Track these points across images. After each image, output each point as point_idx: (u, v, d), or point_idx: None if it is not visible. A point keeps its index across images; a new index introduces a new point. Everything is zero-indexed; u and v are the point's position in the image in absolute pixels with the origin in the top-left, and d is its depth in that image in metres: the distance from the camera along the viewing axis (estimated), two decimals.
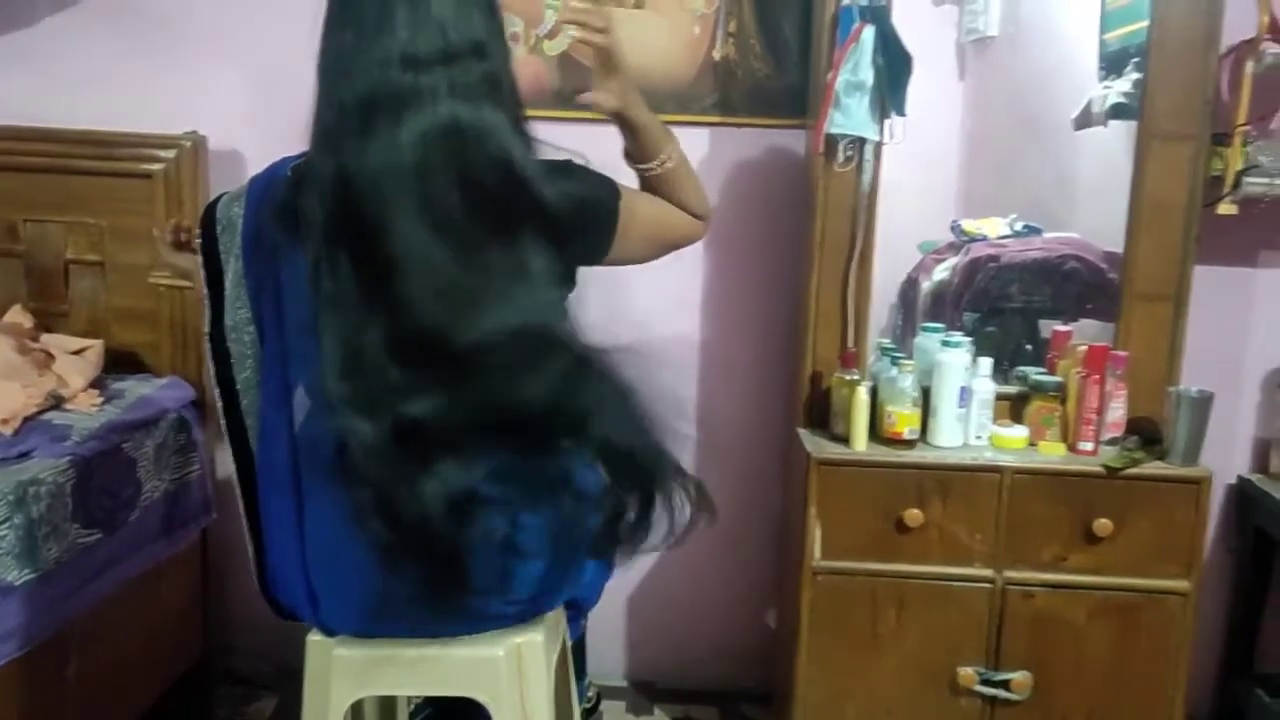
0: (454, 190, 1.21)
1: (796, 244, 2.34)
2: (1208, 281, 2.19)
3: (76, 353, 2.20)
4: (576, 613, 1.80)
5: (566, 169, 1.38)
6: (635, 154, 1.52)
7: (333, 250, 1.23)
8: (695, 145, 2.39)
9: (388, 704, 1.85)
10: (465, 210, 1.21)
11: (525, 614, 1.48)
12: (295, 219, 1.30)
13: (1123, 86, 2.21)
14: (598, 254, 1.45)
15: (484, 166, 1.22)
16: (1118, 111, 2.22)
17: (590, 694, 2.31)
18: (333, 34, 1.26)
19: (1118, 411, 2.07)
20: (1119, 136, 2.22)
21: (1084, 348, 2.08)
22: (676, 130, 1.57)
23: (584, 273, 1.45)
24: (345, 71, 1.22)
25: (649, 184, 1.53)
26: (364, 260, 1.21)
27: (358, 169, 1.20)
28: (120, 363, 2.29)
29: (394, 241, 1.20)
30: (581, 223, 1.39)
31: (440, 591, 1.33)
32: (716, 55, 2.36)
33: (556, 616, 1.59)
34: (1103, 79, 2.29)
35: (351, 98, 1.21)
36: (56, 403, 2.02)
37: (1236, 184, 2.11)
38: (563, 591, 1.56)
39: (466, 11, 1.26)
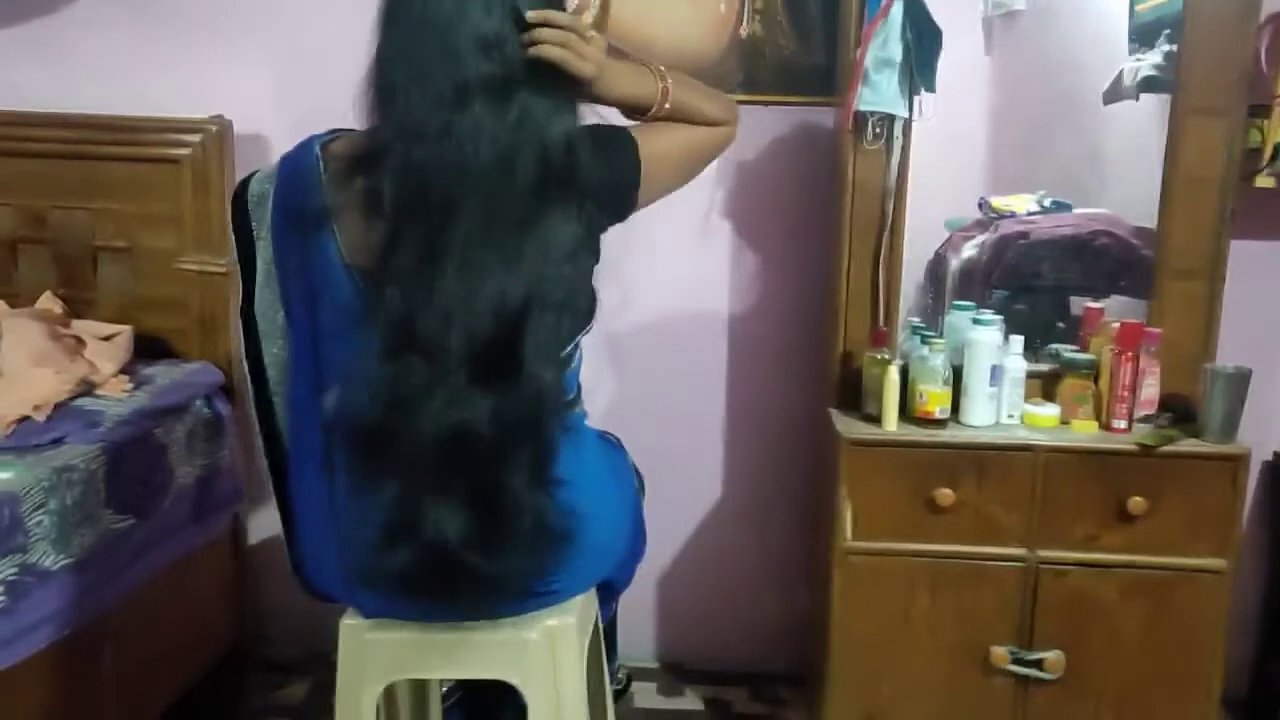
0: (533, 169, 1.24)
1: (825, 222, 2.32)
2: (1244, 256, 2.15)
3: (106, 339, 2.21)
4: (608, 595, 1.80)
5: (592, 139, 1.38)
6: (629, 114, 1.50)
7: (409, 230, 1.24)
8: None
9: (419, 686, 1.86)
10: (537, 189, 1.25)
11: (557, 596, 1.48)
12: (335, 200, 1.31)
13: (1154, 59, 2.17)
14: (624, 215, 1.45)
15: (557, 145, 1.27)
16: (1149, 85, 2.18)
17: (621, 676, 2.32)
18: (422, 14, 1.26)
19: (1151, 389, 2.05)
20: (1150, 110, 2.19)
21: (1117, 325, 2.06)
22: None
23: (615, 251, 1.45)
24: (439, 53, 1.23)
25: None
26: (429, 242, 1.23)
27: (444, 152, 1.22)
28: (149, 348, 2.30)
29: (465, 224, 1.22)
30: (609, 197, 1.40)
31: (444, 579, 1.34)
32: (743, 33, 2.34)
33: (588, 598, 1.59)
34: (1133, 52, 2.25)
35: (444, 81, 1.23)
36: (88, 389, 2.03)
37: (1275, 156, 2.07)
38: (595, 574, 1.56)
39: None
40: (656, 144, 1.44)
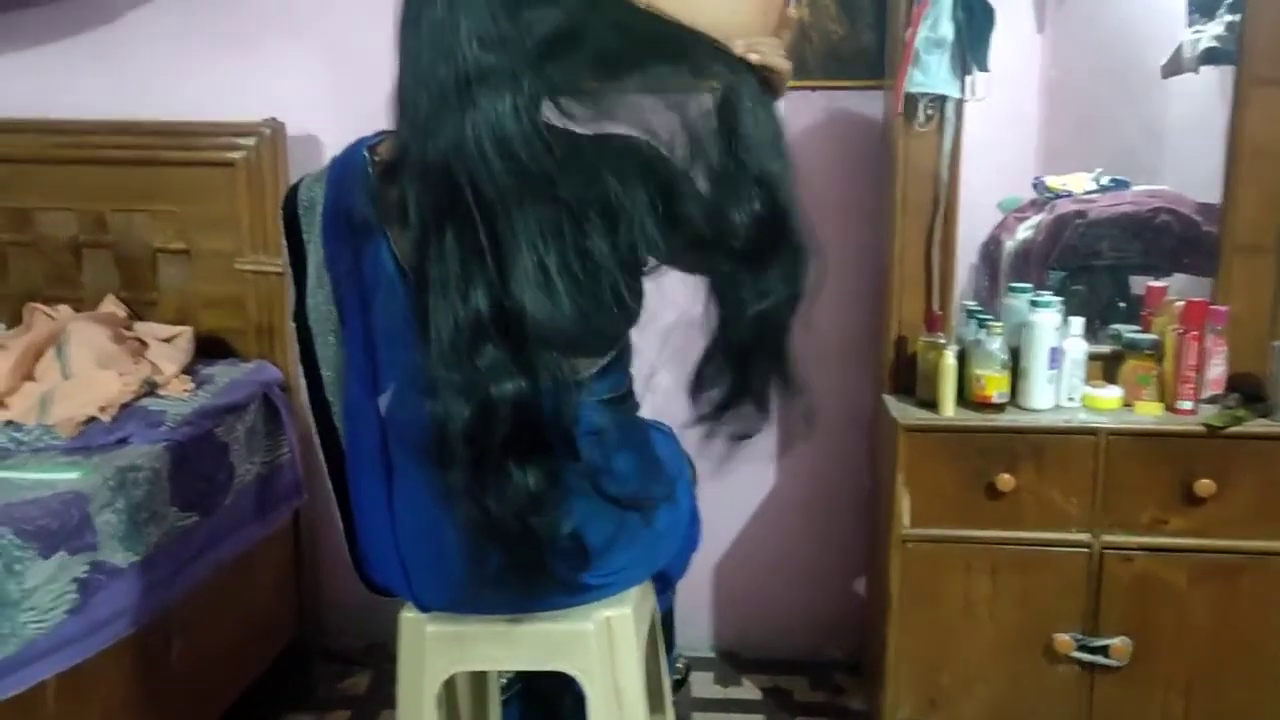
0: (550, 161, 1.22)
1: (875, 206, 2.30)
2: None
3: (167, 340, 2.26)
4: (664, 585, 1.80)
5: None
6: None
7: (439, 233, 1.23)
8: None
9: (479, 677, 1.87)
10: (560, 181, 1.22)
11: (614, 587, 1.48)
12: (381, 204, 1.31)
13: (1215, 30, 2.12)
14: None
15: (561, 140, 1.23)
16: (1210, 56, 2.13)
17: (680, 666, 2.31)
18: (417, 19, 1.25)
19: (1218, 369, 2.00)
20: (1211, 83, 2.14)
21: (1181, 303, 2.01)
22: None
23: None
24: (439, 51, 1.22)
25: None
26: (469, 239, 1.22)
27: (459, 147, 1.21)
28: (208, 348, 2.34)
29: (503, 218, 1.20)
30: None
31: (529, 573, 1.34)
32: (790, 16, 2.32)
33: (645, 589, 1.59)
34: (1193, 23, 2.20)
35: (446, 76, 1.21)
36: (150, 389, 2.07)
37: None
38: (649, 565, 1.56)
39: None
40: None
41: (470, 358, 1.22)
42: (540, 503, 1.27)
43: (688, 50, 1.31)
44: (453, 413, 1.22)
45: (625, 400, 1.50)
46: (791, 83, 2.31)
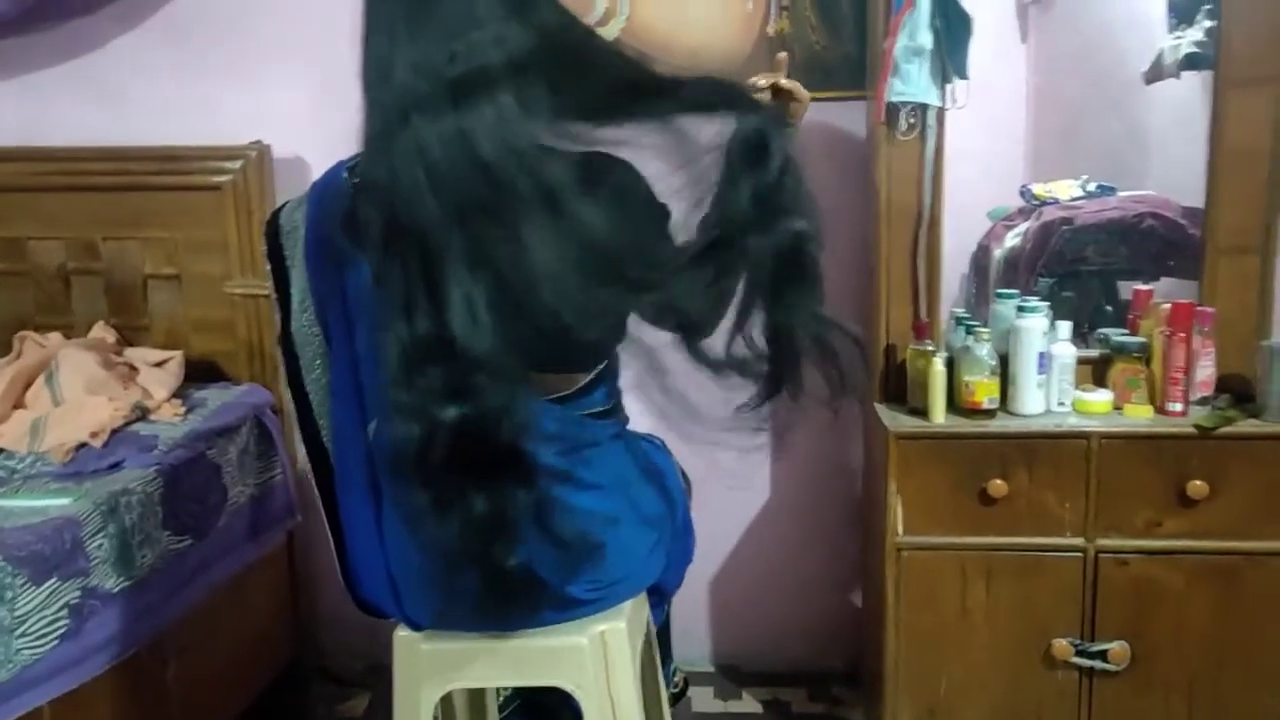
0: (479, 190, 1.19)
1: (860, 216, 2.30)
2: None
3: (158, 365, 2.26)
4: (659, 598, 1.80)
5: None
6: None
7: (388, 256, 1.23)
8: None
9: (477, 694, 1.87)
10: (489, 207, 1.19)
11: (606, 602, 1.48)
12: (357, 228, 1.31)
13: (1195, 35, 2.14)
14: None
15: (499, 164, 1.19)
16: (1191, 62, 2.15)
17: (677, 680, 2.30)
18: (368, 41, 1.26)
19: (1206, 370, 2.00)
20: (1193, 88, 2.16)
21: (1168, 306, 2.02)
22: None
23: None
24: (381, 78, 1.23)
25: None
26: (410, 264, 1.21)
27: (394, 173, 1.20)
28: (199, 372, 2.34)
29: (435, 243, 1.19)
30: None
31: (495, 595, 1.33)
32: (771, 30, 2.33)
33: (639, 602, 1.58)
34: (1173, 29, 2.21)
35: (389, 103, 1.21)
36: (142, 414, 2.07)
37: None
38: (641, 578, 1.56)
39: (491, 11, 1.22)
40: None
41: (417, 381, 1.22)
42: (493, 525, 1.26)
43: (652, 85, 1.31)
44: (404, 435, 1.22)
45: (612, 414, 1.50)
46: None
